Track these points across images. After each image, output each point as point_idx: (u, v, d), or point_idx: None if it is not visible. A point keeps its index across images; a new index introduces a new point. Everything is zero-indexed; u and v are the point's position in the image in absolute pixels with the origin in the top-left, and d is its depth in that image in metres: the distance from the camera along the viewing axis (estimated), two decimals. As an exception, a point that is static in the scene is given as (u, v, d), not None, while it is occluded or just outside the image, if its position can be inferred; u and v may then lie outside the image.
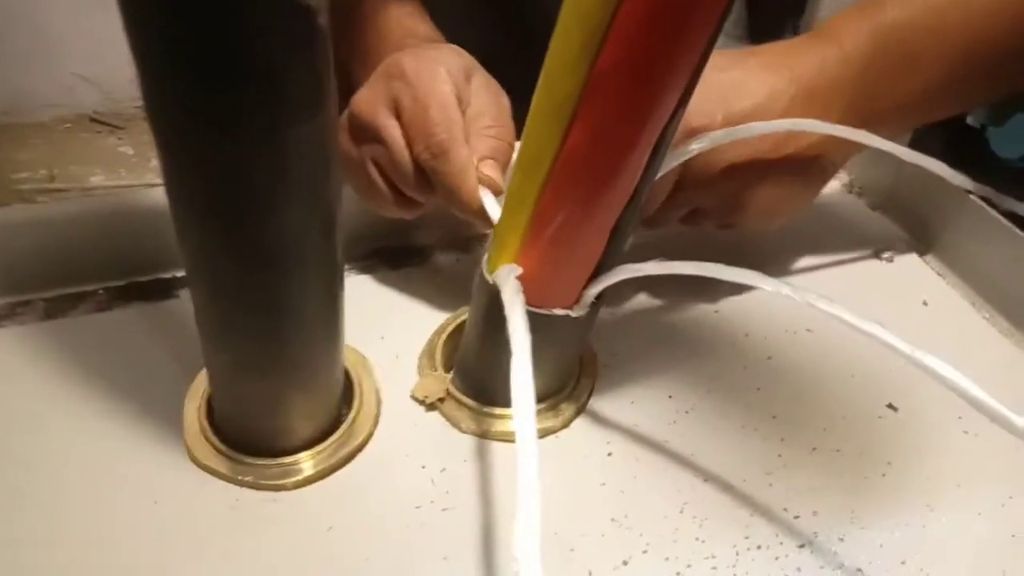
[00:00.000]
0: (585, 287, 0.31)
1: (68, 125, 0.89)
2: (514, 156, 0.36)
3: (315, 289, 0.27)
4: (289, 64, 0.21)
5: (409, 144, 0.36)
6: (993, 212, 0.43)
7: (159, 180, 0.24)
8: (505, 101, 0.39)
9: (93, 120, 0.88)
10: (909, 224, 0.50)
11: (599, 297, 0.32)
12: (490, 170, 0.35)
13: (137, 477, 0.33)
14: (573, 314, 0.31)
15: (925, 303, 0.44)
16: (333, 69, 0.23)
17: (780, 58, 0.36)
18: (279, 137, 0.21)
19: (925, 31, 0.35)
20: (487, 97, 0.38)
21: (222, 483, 0.33)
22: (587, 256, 0.30)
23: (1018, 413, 0.28)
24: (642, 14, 0.22)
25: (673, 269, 0.28)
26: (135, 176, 0.77)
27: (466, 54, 0.39)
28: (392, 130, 0.36)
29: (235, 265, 0.25)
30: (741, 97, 0.35)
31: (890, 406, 0.37)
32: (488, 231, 0.33)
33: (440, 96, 0.35)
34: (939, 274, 0.46)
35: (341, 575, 0.30)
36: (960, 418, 0.37)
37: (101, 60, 0.85)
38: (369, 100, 0.37)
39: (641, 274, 0.30)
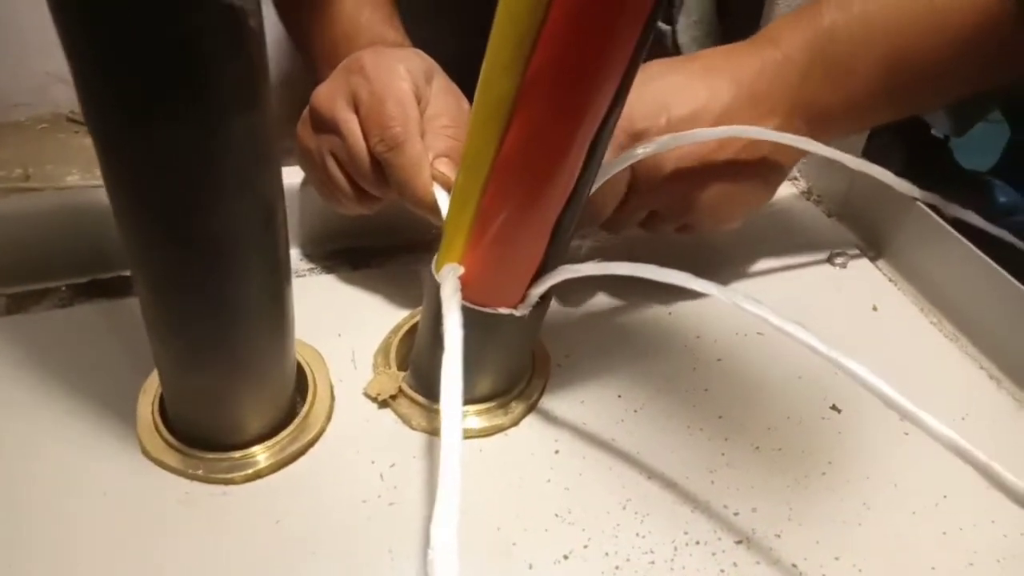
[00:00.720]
0: (529, 287, 0.32)
1: (44, 125, 0.89)
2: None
3: (257, 284, 0.28)
4: (219, 63, 0.22)
5: (366, 137, 0.36)
6: (939, 219, 0.44)
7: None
8: (465, 105, 0.39)
9: (70, 120, 0.88)
10: (862, 230, 0.51)
11: (544, 297, 0.32)
12: (444, 167, 0.36)
13: (89, 469, 0.33)
14: (517, 313, 0.32)
15: (875, 308, 0.45)
16: (267, 68, 0.23)
17: (721, 61, 0.37)
18: (210, 134, 0.22)
19: (856, 38, 0.36)
20: (446, 99, 0.38)
21: (173, 476, 0.33)
22: (529, 256, 0.30)
23: (953, 415, 0.29)
24: (570, 17, 0.23)
25: (609, 270, 0.29)
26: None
27: (428, 57, 0.40)
28: (350, 123, 0.37)
29: (172, 260, 0.25)
30: (683, 101, 0.36)
31: (834, 407, 0.38)
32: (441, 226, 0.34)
33: (397, 91, 0.36)
34: (890, 280, 0.47)
35: (288, 568, 0.30)
36: (901, 420, 0.37)
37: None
38: (328, 94, 0.38)
39: (580, 275, 0.30)
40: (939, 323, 0.44)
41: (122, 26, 0.20)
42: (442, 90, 0.39)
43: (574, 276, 0.31)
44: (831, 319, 0.44)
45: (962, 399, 0.40)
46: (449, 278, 0.29)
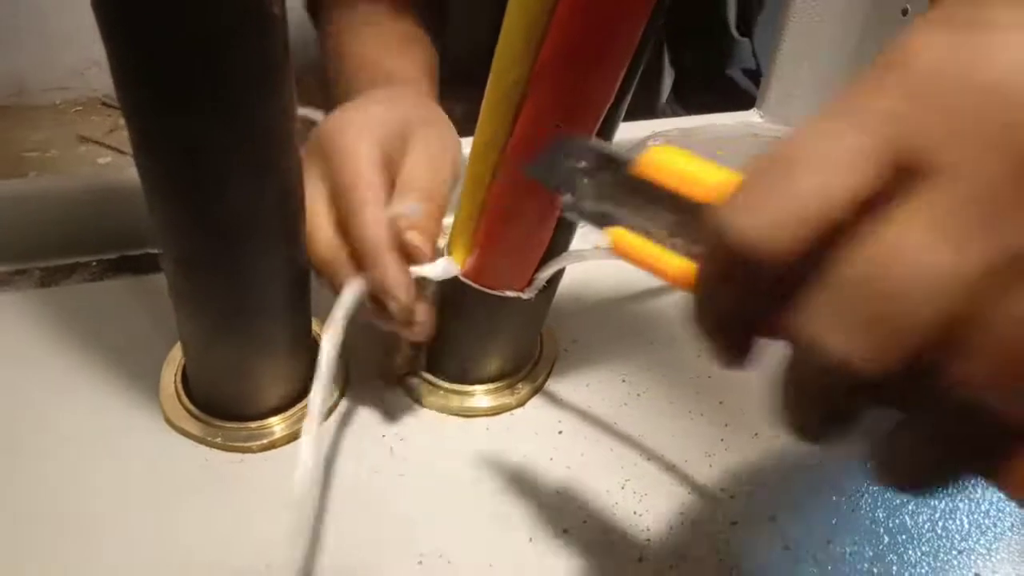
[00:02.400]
0: (536, 271, 0.33)
1: (79, 108, 0.92)
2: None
3: (277, 261, 0.29)
4: (243, 50, 0.23)
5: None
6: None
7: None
8: (449, 155, 0.35)
9: (104, 104, 0.90)
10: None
11: (551, 281, 0.34)
12: (416, 239, 0.31)
13: (115, 436, 0.35)
14: (524, 296, 0.33)
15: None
16: (290, 54, 0.25)
17: None
18: (233, 119, 0.23)
19: None
20: (422, 159, 0.34)
21: (193, 444, 0.35)
22: (536, 241, 0.32)
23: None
24: (578, 5, 0.24)
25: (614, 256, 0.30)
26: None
27: (411, 108, 0.36)
28: (313, 216, 0.32)
29: (195, 235, 0.27)
30: None
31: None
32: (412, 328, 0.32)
33: (352, 175, 0.31)
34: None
35: (301, 534, 0.32)
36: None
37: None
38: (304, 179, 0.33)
39: (585, 260, 0.32)
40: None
41: (150, 13, 0.22)
42: (420, 148, 0.34)
43: (579, 261, 0.32)
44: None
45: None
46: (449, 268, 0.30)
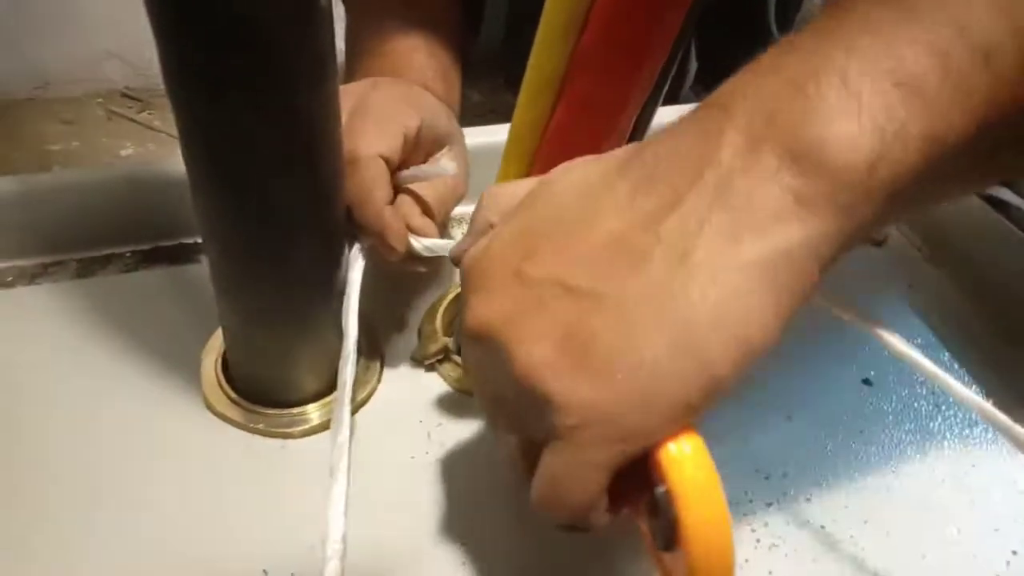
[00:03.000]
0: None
1: (100, 99, 0.93)
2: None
3: (320, 246, 0.30)
4: (290, 39, 0.23)
5: None
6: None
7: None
8: (455, 152, 0.39)
9: (124, 96, 0.91)
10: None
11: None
12: (417, 219, 0.35)
13: (160, 424, 0.36)
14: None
15: (911, 286, 0.46)
16: (335, 44, 0.25)
17: None
18: (281, 108, 0.24)
19: None
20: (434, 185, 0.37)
21: (236, 430, 0.36)
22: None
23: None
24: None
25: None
26: (165, 150, 0.80)
27: (433, 109, 0.39)
28: None
29: (242, 225, 0.27)
30: None
31: (866, 381, 0.39)
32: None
33: (365, 191, 0.34)
34: (929, 259, 0.48)
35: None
36: (932, 394, 0.38)
37: (131, 37, 0.89)
38: None
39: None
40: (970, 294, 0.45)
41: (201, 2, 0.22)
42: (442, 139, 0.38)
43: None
44: (866, 296, 0.45)
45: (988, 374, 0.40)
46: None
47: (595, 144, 0.28)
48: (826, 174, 0.20)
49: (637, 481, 0.22)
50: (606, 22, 0.25)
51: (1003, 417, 0.25)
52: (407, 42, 0.45)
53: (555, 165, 0.29)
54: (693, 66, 0.65)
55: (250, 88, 0.24)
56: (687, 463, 0.21)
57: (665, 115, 0.51)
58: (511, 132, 0.30)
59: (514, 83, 0.29)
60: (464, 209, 0.49)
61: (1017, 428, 0.25)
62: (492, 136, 0.46)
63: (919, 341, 0.42)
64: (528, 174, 0.30)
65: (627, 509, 0.23)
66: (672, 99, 0.70)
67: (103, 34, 0.90)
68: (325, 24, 0.24)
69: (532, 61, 0.28)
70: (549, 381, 0.21)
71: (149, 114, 0.89)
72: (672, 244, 0.20)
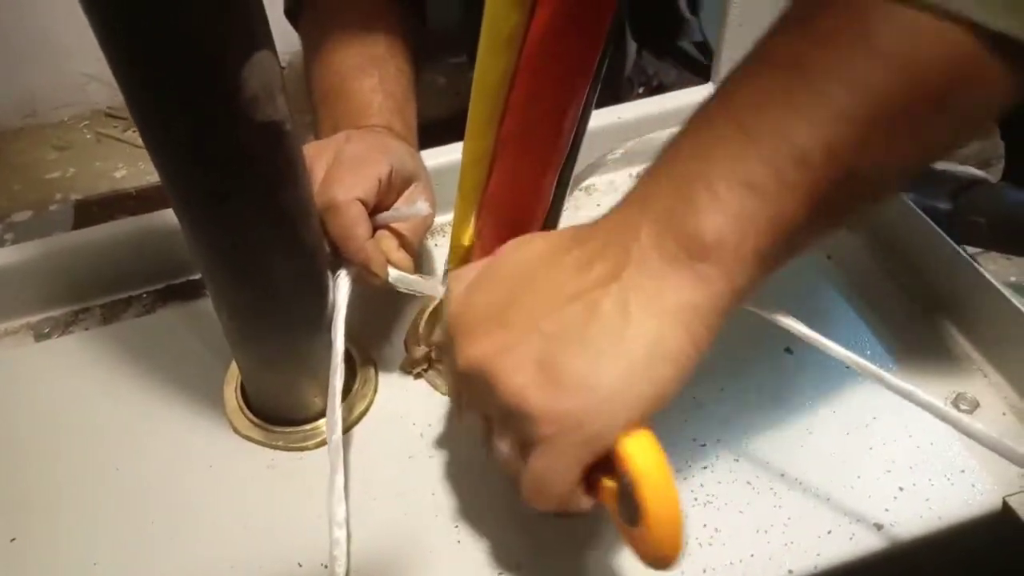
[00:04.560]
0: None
1: (86, 122, 0.97)
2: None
3: (310, 304, 0.36)
4: (265, 159, 0.29)
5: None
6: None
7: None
8: (423, 185, 0.44)
9: (108, 115, 0.95)
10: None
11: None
12: (395, 253, 0.41)
13: (192, 447, 0.43)
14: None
15: (829, 256, 0.52)
16: (303, 156, 0.31)
17: None
18: (262, 204, 0.30)
19: None
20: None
21: (259, 448, 0.43)
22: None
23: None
24: (526, 93, 0.30)
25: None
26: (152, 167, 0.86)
27: (409, 159, 0.44)
28: (316, 175, 0.40)
29: (242, 292, 0.34)
30: None
31: (787, 350, 0.46)
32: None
33: (344, 229, 0.39)
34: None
35: (354, 511, 0.40)
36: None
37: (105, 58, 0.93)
38: (317, 148, 0.42)
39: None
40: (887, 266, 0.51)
41: (189, 134, 0.28)
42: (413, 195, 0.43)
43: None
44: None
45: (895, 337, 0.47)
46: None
47: (525, 204, 0.34)
48: (708, 253, 0.27)
49: (607, 471, 0.29)
50: (519, 113, 0.31)
51: (889, 377, 0.33)
52: (365, 82, 0.50)
53: (498, 216, 0.36)
54: (632, 50, 0.70)
55: (237, 194, 0.30)
56: (641, 456, 0.28)
57: (607, 116, 0.57)
58: (459, 189, 0.36)
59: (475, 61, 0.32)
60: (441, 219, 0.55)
61: (898, 383, 0.34)
62: (449, 155, 0.52)
63: (836, 309, 0.48)
64: (476, 229, 0.36)
65: (600, 495, 0.30)
66: (615, 82, 0.75)
67: (82, 58, 0.94)
68: (292, 141, 0.30)
69: (465, 141, 0.33)
70: (530, 400, 0.28)
71: (134, 131, 0.94)
72: (616, 300, 0.28)
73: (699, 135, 0.28)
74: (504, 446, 0.31)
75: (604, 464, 0.29)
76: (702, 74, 0.73)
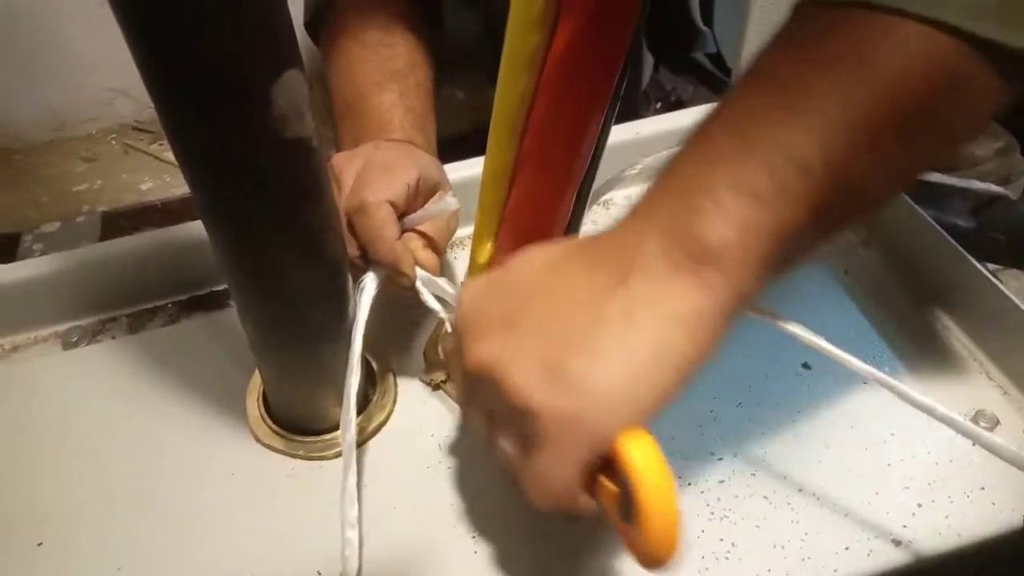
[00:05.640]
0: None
1: (113, 135, 0.99)
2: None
3: (332, 316, 0.37)
4: (292, 175, 0.30)
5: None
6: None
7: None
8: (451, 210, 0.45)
9: (135, 129, 0.97)
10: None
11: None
12: (423, 254, 0.42)
13: (216, 455, 0.44)
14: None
15: (847, 272, 0.52)
16: (326, 169, 0.32)
17: None
18: (286, 221, 0.31)
19: None
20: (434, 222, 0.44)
21: (280, 457, 0.43)
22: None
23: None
24: (546, 112, 0.31)
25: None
26: (179, 180, 0.88)
27: (435, 170, 0.45)
28: (346, 180, 0.42)
29: (268, 308, 0.35)
30: None
31: (805, 365, 0.46)
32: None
33: (375, 231, 0.40)
34: (863, 243, 0.54)
35: (374, 519, 0.40)
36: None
37: (132, 72, 0.95)
38: (346, 157, 0.44)
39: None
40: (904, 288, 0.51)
41: (218, 150, 0.29)
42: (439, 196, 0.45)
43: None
44: (803, 284, 0.51)
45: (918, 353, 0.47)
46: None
47: (546, 218, 0.35)
48: (712, 259, 0.27)
49: (608, 473, 0.29)
50: (539, 131, 0.31)
51: (908, 391, 0.34)
52: (384, 98, 0.51)
53: (515, 237, 0.36)
54: (649, 64, 0.71)
55: (262, 211, 0.31)
56: (640, 457, 0.28)
57: (624, 132, 0.58)
58: (479, 206, 0.37)
59: (495, 79, 0.33)
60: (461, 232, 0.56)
61: (919, 397, 0.34)
62: (469, 170, 0.53)
63: (853, 324, 0.48)
64: (495, 242, 0.36)
65: (600, 495, 0.30)
66: (631, 98, 0.75)
67: (109, 74, 0.96)
68: (317, 157, 0.31)
69: (486, 156, 0.34)
70: (533, 397, 0.28)
71: (160, 145, 0.96)
72: (622, 305, 0.28)
73: (702, 148, 0.29)
74: (507, 444, 0.31)
75: (605, 466, 0.29)
76: (719, 89, 0.73)
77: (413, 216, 0.43)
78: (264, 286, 0.34)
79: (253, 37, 0.27)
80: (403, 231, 0.42)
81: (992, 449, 0.33)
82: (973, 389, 0.44)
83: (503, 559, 0.38)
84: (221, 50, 0.26)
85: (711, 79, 0.73)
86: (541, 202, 0.34)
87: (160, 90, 0.27)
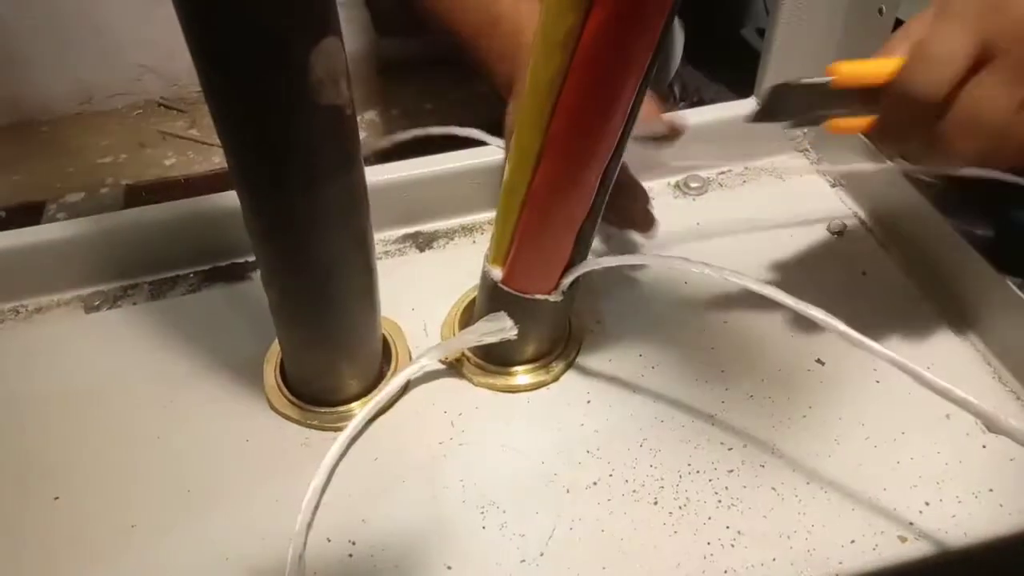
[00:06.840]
0: (561, 277, 0.40)
1: (139, 111, 1.00)
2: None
3: (355, 292, 0.37)
4: (325, 142, 0.31)
5: None
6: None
7: (222, 160, 0.34)
8: None
9: (160, 105, 0.98)
10: (862, 202, 0.57)
11: (573, 284, 0.41)
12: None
13: (231, 423, 0.44)
14: (552, 299, 0.41)
15: (864, 273, 0.52)
16: (359, 139, 0.32)
17: None
18: (318, 191, 0.31)
19: None
20: None
21: (295, 426, 0.44)
22: (559, 255, 0.39)
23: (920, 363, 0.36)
24: (579, 90, 0.31)
25: (621, 261, 0.38)
26: (202, 156, 0.89)
27: None
28: None
29: (293, 275, 0.35)
30: None
31: (818, 361, 0.46)
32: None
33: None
34: (882, 245, 0.54)
35: (383, 492, 0.41)
36: (874, 370, 0.45)
37: (162, 52, 0.97)
38: None
39: (600, 267, 0.39)
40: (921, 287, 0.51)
41: (254, 115, 0.29)
42: None
43: (596, 268, 0.39)
44: (825, 281, 0.51)
45: (929, 350, 0.47)
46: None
47: (569, 201, 0.35)
48: None
49: None
50: (568, 115, 0.32)
51: (928, 375, 0.34)
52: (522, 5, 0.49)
53: (541, 215, 0.36)
54: (680, 42, 0.70)
55: (298, 178, 0.31)
56: None
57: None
58: (503, 186, 0.37)
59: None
60: (463, 220, 0.56)
61: (939, 381, 0.34)
62: (495, 155, 0.53)
63: (870, 326, 0.48)
64: (518, 220, 0.37)
65: None
66: (660, 82, 0.74)
67: (137, 50, 0.97)
68: (351, 125, 0.31)
69: (515, 138, 0.34)
70: None
71: (185, 122, 0.97)
72: None
73: None
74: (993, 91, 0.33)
75: None
76: (742, 88, 0.72)
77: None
78: (291, 254, 0.35)
79: (294, 4, 0.27)
80: None
81: (1009, 434, 0.33)
82: (988, 395, 0.45)
83: (510, 536, 0.39)
84: (263, 15, 0.27)
85: (746, 67, 0.71)
86: (567, 183, 0.34)
87: (202, 53, 0.28)
